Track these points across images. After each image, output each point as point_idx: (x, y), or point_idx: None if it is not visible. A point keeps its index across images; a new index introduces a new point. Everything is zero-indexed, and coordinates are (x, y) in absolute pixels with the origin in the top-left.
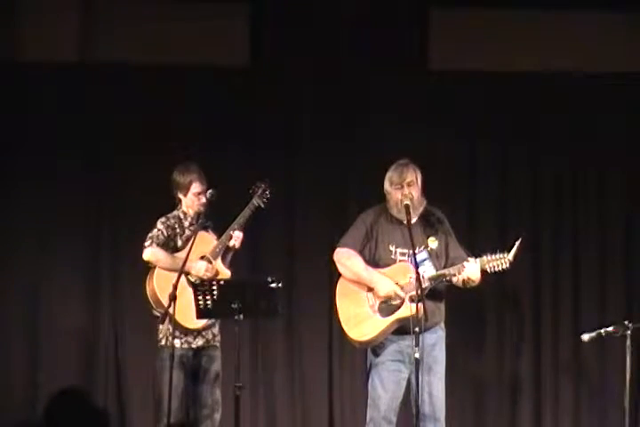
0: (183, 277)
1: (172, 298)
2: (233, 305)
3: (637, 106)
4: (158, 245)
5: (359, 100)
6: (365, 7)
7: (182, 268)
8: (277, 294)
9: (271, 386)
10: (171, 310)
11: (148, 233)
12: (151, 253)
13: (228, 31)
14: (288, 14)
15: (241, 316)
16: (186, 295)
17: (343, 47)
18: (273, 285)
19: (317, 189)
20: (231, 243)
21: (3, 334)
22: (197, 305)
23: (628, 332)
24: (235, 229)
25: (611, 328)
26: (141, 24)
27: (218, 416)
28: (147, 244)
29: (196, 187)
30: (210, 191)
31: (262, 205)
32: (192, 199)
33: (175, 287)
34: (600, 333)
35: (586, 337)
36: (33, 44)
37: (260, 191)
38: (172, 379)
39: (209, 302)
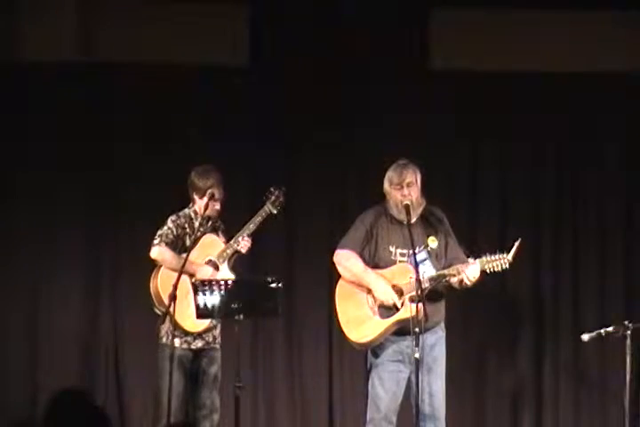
0: (187, 279)
1: (172, 298)
2: (233, 305)
3: (637, 106)
4: (167, 244)
5: (359, 100)
6: (365, 7)
7: (181, 268)
8: (277, 294)
9: (271, 386)
10: (170, 310)
11: (157, 230)
12: (159, 251)
13: (227, 31)
14: (288, 14)
15: (241, 316)
16: (189, 298)
17: (343, 47)
18: (273, 285)
19: (317, 189)
20: (239, 247)
21: (3, 334)
22: (197, 305)
23: (628, 332)
24: (244, 235)
25: (611, 328)
26: (141, 24)
27: (216, 417)
28: (155, 242)
29: (213, 191)
30: (210, 191)
31: (275, 212)
32: (206, 203)
33: (175, 287)
34: (600, 333)
35: (586, 337)
36: (33, 44)
37: (272, 198)
38: (173, 382)
39: (209, 302)
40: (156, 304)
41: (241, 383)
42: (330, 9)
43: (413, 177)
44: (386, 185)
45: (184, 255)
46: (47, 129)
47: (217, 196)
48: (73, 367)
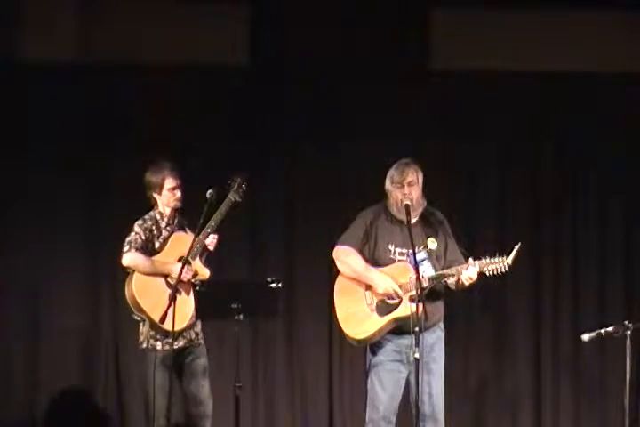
0: (162, 280)
1: (172, 298)
2: (233, 305)
3: (637, 106)
4: (137, 249)
5: (359, 100)
6: (365, 7)
7: (180, 271)
8: (277, 294)
9: (271, 386)
10: (170, 310)
11: (125, 237)
12: (130, 258)
13: (228, 31)
14: (288, 14)
15: (241, 316)
16: (165, 298)
17: (343, 47)
18: (273, 285)
19: (317, 189)
20: (207, 241)
21: (3, 334)
22: (197, 305)
23: (628, 332)
24: (212, 227)
25: (611, 328)
26: (141, 24)
27: (209, 409)
28: (125, 249)
29: (169, 182)
30: (210, 191)
31: (239, 200)
32: (167, 196)
33: (175, 288)
34: (600, 333)
35: (586, 337)
36: (33, 44)
37: (235, 186)
38: (158, 380)
39: (208, 302)
40: (134, 311)
41: (241, 383)
42: (330, 9)
43: (415, 176)
44: (387, 184)
45: (155, 257)
46: (47, 129)
47: (173, 184)
48: (73, 367)
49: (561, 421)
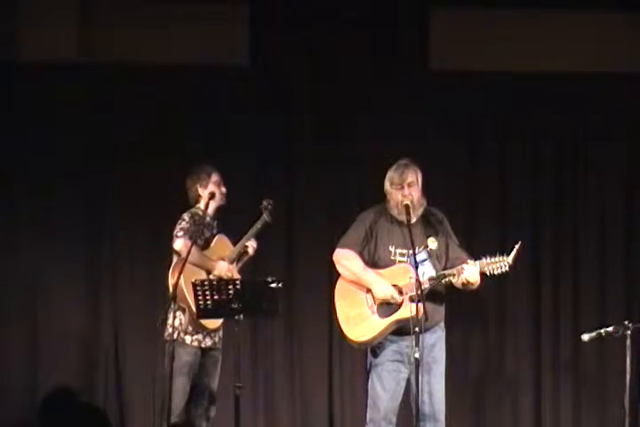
0: (205, 275)
1: (172, 297)
2: (233, 305)
3: (637, 106)
4: (189, 238)
5: (359, 100)
6: (365, 7)
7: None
8: (277, 294)
9: (271, 386)
10: (171, 309)
11: (173, 228)
12: (183, 244)
13: (228, 31)
14: (288, 14)
15: (241, 316)
16: None
17: (343, 47)
18: (273, 285)
19: (317, 190)
20: (244, 250)
21: (3, 334)
22: (197, 305)
23: (628, 332)
24: (245, 239)
25: (611, 328)
26: (141, 24)
27: (213, 413)
28: (179, 234)
29: (215, 175)
30: (210, 191)
31: (270, 221)
32: (213, 189)
33: (175, 287)
34: (600, 333)
35: (586, 337)
36: (33, 44)
37: (270, 207)
38: (180, 376)
39: (209, 302)
40: (179, 300)
41: (241, 383)
42: (330, 9)
43: (414, 177)
44: (387, 185)
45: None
46: (48, 129)
47: (218, 178)
48: (73, 367)
49: (561, 421)
